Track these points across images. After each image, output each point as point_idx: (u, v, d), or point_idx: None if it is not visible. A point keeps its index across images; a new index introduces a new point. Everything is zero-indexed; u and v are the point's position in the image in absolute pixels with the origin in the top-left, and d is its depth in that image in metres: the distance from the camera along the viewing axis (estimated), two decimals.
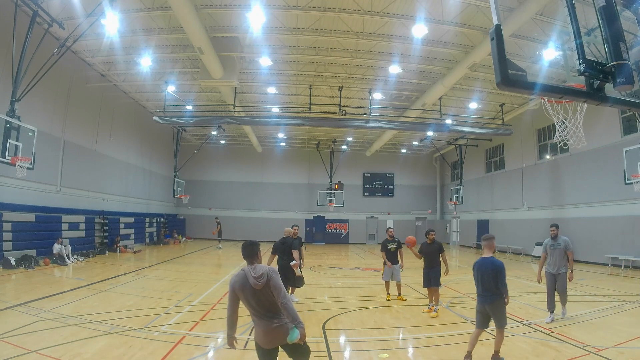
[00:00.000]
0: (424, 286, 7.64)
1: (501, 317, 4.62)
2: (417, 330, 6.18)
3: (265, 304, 3.13)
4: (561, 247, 6.63)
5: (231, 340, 3.32)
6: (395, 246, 8.49)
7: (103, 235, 17.55)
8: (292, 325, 3.10)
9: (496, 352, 4.64)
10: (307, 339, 3.21)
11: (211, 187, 29.36)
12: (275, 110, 19.49)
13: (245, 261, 3.34)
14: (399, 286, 8.56)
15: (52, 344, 4.93)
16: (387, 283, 8.66)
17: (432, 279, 7.40)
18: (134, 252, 17.78)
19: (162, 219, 25.10)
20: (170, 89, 16.79)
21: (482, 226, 24.10)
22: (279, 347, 3.19)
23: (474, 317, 4.96)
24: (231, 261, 16.46)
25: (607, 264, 14.48)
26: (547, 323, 6.43)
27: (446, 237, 29.62)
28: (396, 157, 29.96)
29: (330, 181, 26.13)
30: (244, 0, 11.16)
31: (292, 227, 8.09)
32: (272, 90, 18.28)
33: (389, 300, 8.47)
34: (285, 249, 7.47)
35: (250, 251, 3.33)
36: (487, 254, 4.88)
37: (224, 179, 29.71)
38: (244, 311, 3.44)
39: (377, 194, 30.93)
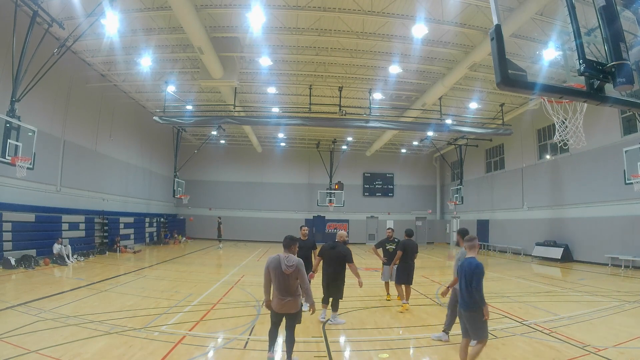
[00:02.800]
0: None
1: (477, 331, 4.19)
2: (417, 330, 6.18)
3: (287, 285, 4.31)
4: (457, 257, 5.52)
5: (268, 304, 4.47)
6: (393, 247, 8.47)
7: (103, 235, 17.53)
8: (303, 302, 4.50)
9: None
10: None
11: (211, 187, 29.37)
12: (275, 110, 19.49)
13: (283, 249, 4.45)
14: (406, 287, 8.54)
15: (52, 344, 4.92)
16: (386, 283, 8.68)
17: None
18: (134, 252, 17.78)
19: (162, 219, 25.10)
20: (170, 89, 16.79)
21: (482, 226, 24.11)
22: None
23: None
24: (231, 261, 16.46)
25: (607, 264, 14.48)
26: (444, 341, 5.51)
27: (446, 237, 29.63)
28: (396, 157, 29.97)
29: (330, 181, 26.12)
30: (244, 0, 11.16)
31: (300, 228, 7.83)
32: (272, 90, 18.28)
33: (389, 300, 8.48)
34: (334, 256, 6.51)
35: (290, 242, 4.47)
36: (471, 254, 4.42)
37: (224, 179, 29.72)
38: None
39: (377, 194, 30.92)
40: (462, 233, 5.38)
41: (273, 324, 4.52)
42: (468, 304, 4.20)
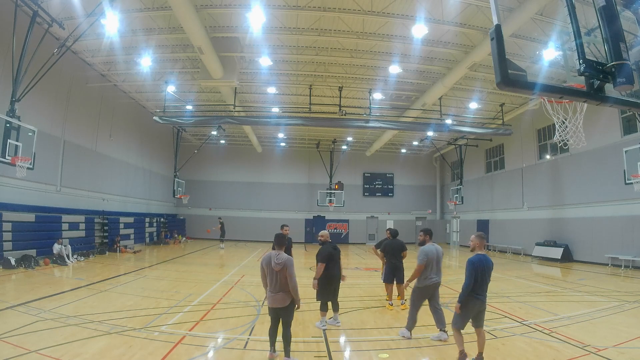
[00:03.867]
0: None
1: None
2: (417, 330, 6.17)
3: (277, 281, 4.52)
4: (430, 254, 5.84)
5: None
6: None
7: (103, 235, 17.53)
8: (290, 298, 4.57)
9: (481, 354, 4.60)
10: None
11: (211, 187, 29.36)
12: (275, 110, 19.49)
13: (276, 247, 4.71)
14: (398, 286, 8.56)
15: (52, 344, 4.92)
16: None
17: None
18: (134, 252, 17.77)
19: (162, 219, 25.09)
20: (170, 89, 16.79)
21: (482, 226, 24.10)
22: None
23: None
24: (231, 261, 16.46)
25: (607, 264, 14.48)
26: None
27: (446, 237, 29.63)
28: (396, 157, 29.96)
29: (330, 181, 26.12)
30: (244, 0, 11.16)
31: (282, 227, 7.77)
32: (272, 90, 18.28)
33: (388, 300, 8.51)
34: (338, 256, 6.47)
35: (280, 240, 4.72)
36: (482, 251, 4.72)
37: (224, 179, 29.71)
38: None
39: (377, 194, 30.92)
40: (430, 232, 6.07)
41: (271, 322, 4.70)
42: (485, 296, 4.62)
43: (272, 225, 27.25)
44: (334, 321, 6.38)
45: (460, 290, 4.61)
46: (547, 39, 11.82)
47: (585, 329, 6.17)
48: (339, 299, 6.58)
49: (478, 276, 4.51)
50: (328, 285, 6.27)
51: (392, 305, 7.76)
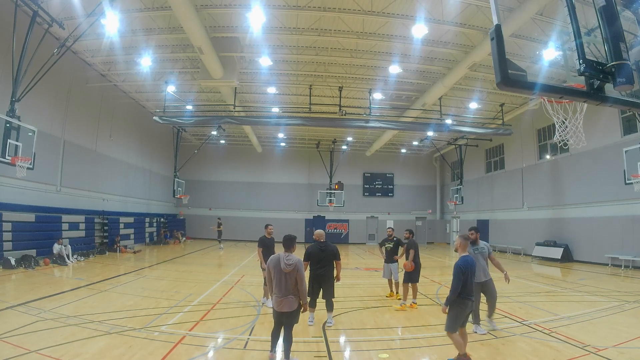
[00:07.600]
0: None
1: None
2: (417, 330, 6.18)
3: (285, 284, 4.43)
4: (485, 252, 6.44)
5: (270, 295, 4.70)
6: (392, 245, 8.50)
7: (103, 235, 17.54)
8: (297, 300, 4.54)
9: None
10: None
11: (211, 187, 29.36)
12: (275, 110, 19.49)
13: (284, 248, 4.65)
14: (397, 285, 8.59)
15: (52, 344, 4.92)
16: (388, 281, 8.73)
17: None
18: (134, 252, 17.77)
19: (162, 219, 25.10)
20: (170, 89, 16.78)
21: (482, 226, 24.06)
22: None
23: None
24: (231, 261, 16.45)
25: (607, 264, 14.48)
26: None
27: (446, 237, 29.62)
28: (396, 157, 29.97)
29: (330, 181, 26.12)
30: (244, 0, 11.16)
31: (266, 227, 7.82)
32: (272, 90, 18.28)
33: (388, 297, 8.54)
34: (326, 257, 6.42)
35: (290, 242, 4.64)
36: (466, 252, 4.81)
37: (224, 179, 29.71)
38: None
39: (377, 194, 30.92)
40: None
41: (276, 324, 4.64)
42: (474, 297, 4.87)
43: (272, 225, 27.47)
44: (330, 321, 6.39)
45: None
46: (547, 39, 11.82)
47: (585, 329, 6.17)
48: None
49: (467, 279, 4.54)
50: (310, 283, 6.27)
51: (404, 304, 7.66)
